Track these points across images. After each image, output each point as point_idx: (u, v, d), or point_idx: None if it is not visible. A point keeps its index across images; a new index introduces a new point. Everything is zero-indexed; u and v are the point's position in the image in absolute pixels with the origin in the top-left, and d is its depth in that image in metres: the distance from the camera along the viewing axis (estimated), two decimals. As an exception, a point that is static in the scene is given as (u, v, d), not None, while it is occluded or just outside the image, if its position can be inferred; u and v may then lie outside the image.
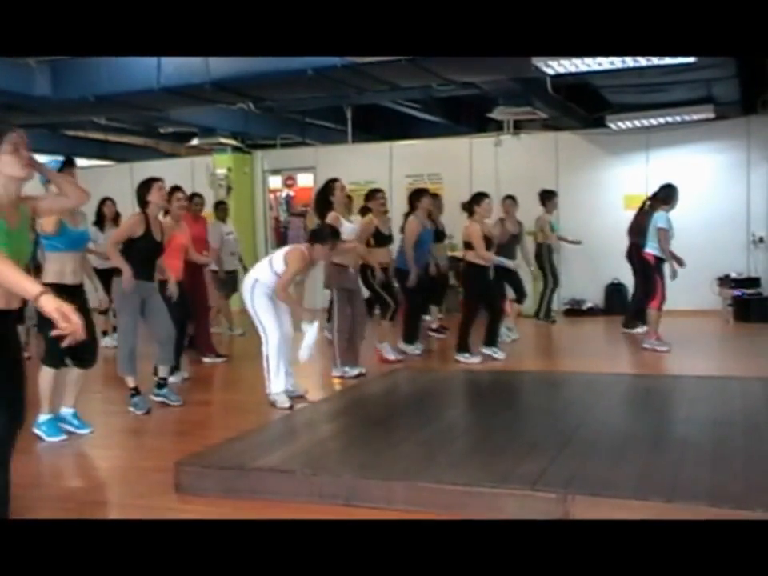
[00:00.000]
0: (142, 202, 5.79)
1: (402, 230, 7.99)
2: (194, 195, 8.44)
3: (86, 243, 5.24)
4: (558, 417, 5.05)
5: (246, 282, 5.96)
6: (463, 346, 7.50)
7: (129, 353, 5.73)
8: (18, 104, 8.49)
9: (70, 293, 4.82)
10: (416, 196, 7.97)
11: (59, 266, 4.88)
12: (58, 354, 4.90)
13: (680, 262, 7.84)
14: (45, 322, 4.76)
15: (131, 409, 5.76)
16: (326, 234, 6.02)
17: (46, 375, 4.97)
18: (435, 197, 8.94)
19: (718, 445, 4.17)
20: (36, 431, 4.95)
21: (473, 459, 4.02)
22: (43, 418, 5.00)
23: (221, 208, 10.09)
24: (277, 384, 5.82)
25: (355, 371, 6.78)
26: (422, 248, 7.88)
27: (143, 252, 5.74)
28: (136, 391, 5.79)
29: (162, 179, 5.94)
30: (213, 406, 6.31)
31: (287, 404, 5.74)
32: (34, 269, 5.68)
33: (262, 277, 5.88)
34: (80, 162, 12.51)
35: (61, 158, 4.92)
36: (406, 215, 8.08)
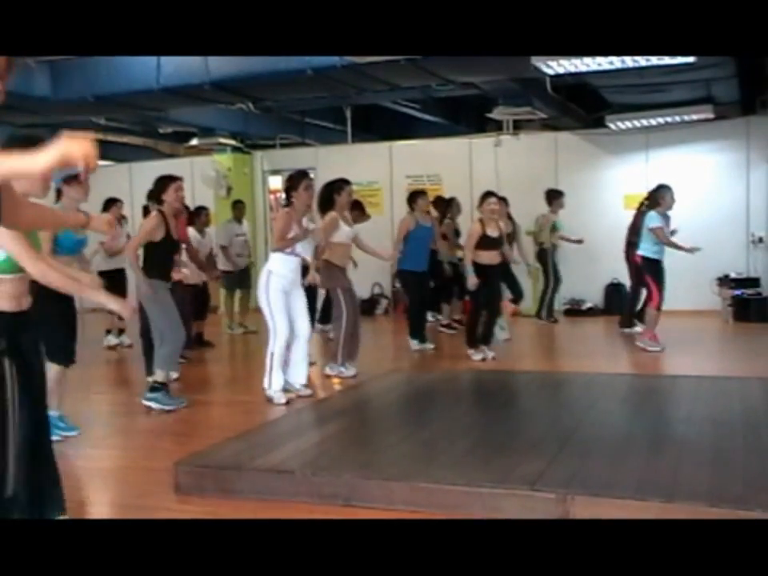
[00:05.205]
0: (158, 201, 5.68)
1: None
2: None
3: (82, 248, 5.21)
4: (557, 417, 5.05)
5: (261, 276, 5.93)
6: (471, 342, 7.59)
7: (172, 351, 5.70)
8: (17, 104, 8.47)
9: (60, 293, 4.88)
10: (413, 197, 8.37)
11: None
12: (67, 351, 4.90)
13: (690, 250, 7.80)
14: (48, 321, 4.79)
15: (151, 404, 5.67)
16: (295, 180, 5.99)
17: (53, 373, 4.88)
18: (452, 200, 9.62)
19: (717, 445, 4.16)
20: None
21: (473, 459, 4.02)
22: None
23: (238, 207, 10.11)
24: (276, 381, 5.85)
25: (352, 371, 6.78)
26: (417, 244, 8.08)
27: (163, 253, 5.71)
28: (162, 385, 5.72)
29: (180, 178, 5.82)
30: (212, 405, 6.30)
31: (283, 400, 5.79)
32: None
33: (275, 266, 5.86)
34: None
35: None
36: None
